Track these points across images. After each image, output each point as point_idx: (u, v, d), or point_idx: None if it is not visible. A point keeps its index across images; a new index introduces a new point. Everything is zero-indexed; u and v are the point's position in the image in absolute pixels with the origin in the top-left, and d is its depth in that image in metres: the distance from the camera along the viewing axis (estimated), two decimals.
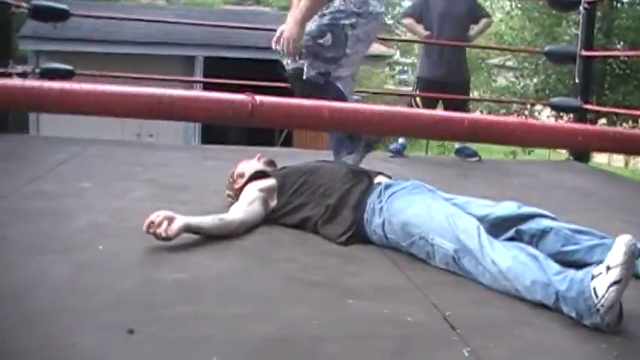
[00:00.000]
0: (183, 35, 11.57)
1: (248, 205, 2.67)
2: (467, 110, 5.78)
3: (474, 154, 5.49)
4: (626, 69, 11.83)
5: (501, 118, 1.65)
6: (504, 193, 3.37)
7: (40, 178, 3.51)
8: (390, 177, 2.87)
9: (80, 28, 10.12)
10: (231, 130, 13.54)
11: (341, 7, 3.20)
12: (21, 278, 1.99)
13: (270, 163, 3.13)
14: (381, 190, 2.59)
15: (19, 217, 2.68)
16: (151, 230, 2.27)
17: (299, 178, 2.80)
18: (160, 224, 2.27)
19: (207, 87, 12.73)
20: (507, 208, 2.42)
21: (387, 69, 31.01)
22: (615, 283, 1.76)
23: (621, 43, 12.63)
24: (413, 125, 1.28)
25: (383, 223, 2.49)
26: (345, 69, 3.30)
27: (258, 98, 1.10)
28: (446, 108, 5.57)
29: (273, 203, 2.78)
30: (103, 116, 1.14)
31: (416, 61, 33.84)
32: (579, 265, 2.03)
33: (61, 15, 4.89)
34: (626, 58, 11.99)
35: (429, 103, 5.61)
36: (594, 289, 1.79)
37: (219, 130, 12.79)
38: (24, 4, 4.79)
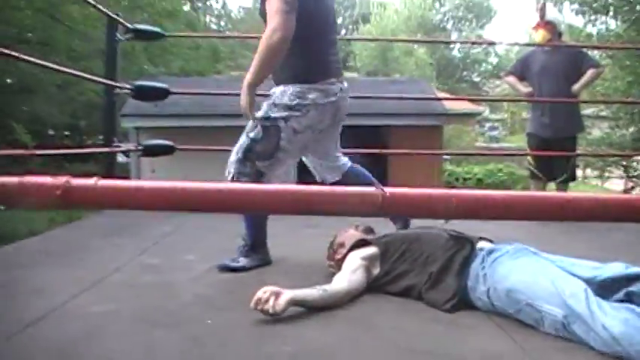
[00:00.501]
0: None
1: (351, 274, 2.68)
2: (573, 165, 5.64)
3: None
4: None
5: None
6: (609, 250, 3.28)
7: (147, 251, 3.65)
8: (491, 241, 2.83)
9: (178, 104, 10.45)
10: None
11: (275, 101, 3.18)
12: (133, 351, 2.05)
13: (369, 230, 3.15)
14: (483, 256, 2.57)
15: (130, 291, 2.78)
16: (258, 307, 2.31)
17: (401, 245, 2.80)
18: (267, 300, 2.31)
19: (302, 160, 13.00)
20: (615, 268, 2.31)
21: (476, 126, 30.83)
22: None
23: None
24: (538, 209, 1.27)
25: (488, 290, 2.46)
26: (283, 162, 3.27)
27: (388, 190, 1.13)
28: (555, 164, 5.59)
29: (376, 271, 2.79)
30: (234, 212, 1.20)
31: (506, 116, 33.69)
32: None
33: (161, 94, 5.10)
34: None
35: (542, 159, 5.62)
36: None
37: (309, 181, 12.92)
38: (127, 86, 5.01)
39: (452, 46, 43.36)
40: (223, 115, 11.80)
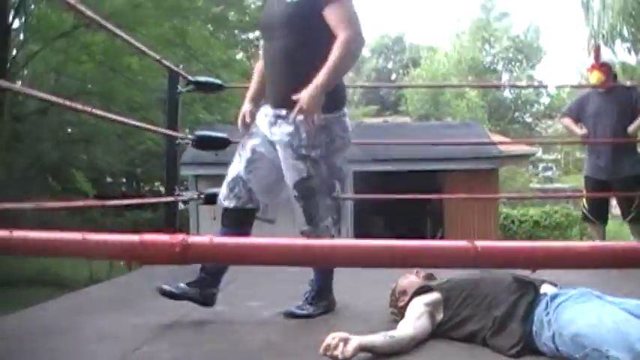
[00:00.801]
0: None
1: (416, 320, 2.71)
2: (637, 203, 5.46)
3: None
4: None
5: None
6: None
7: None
8: (555, 285, 2.83)
9: (234, 153, 10.57)
10: (383, 236, 13.72)
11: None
12: None
13: (430, 276, 3.17)
14: (547, 302, 2.56)
15: (199, 337, 2.87)
16: (328, 353, 2.36)
17: (463, 290, 2.82)
18: (336, 346, 2.35)
19: (357, 202, 13.17)
20: None
21: (530, 167, 30.63)
22: None
23: None
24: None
25: (553, 336, 2.45)
26: None
27: (479, 244, 1.18)
28: (621, 204, 5.61)
29: (440, 317, 2.80)
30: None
31: (559, 156, 33.34)
32: None
33: (222, 143, 5.24)
34: None
35: (595, 203, 5.65)
36: None
37: (371, 237, 12.97)
38: (189, 137, 5.17)
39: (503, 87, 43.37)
40: None
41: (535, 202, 19.26)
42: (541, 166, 36.72)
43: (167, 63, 5.13)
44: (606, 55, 5.85)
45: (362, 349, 2.42)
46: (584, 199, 5.79)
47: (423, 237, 14.07)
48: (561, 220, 17.90)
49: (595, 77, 5.62)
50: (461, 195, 10.78)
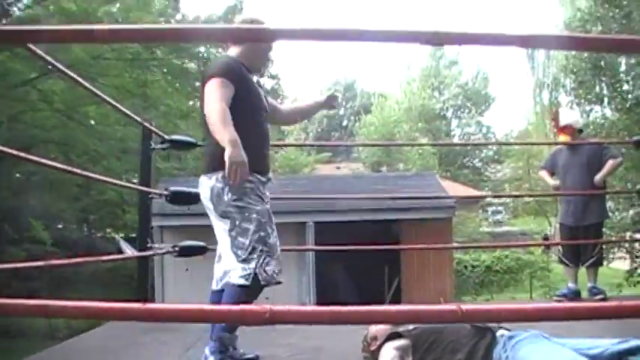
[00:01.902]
0: (292, 203, 12.11)
1: None
2: (599, 250, 6.13)
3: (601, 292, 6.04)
4: None
5: None
6: (611, 328, 3.59)
7: (193, 347, 3.97)
8: (508, 329, 3.19)
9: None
10: (343, 285, 14.03)
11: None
12: None
13: (399, 324, 3.51)
14: (505, 341, 2.95)
15: None
16: None
17: (430, 336, 3.17)
18: None
19: (318, 253, 13.48)
20: (616, 344, 2.76)
21: (480, 211, 31.20)
22: None
23: None
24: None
25: None
26: None
27: (464, 307, 1.49)
28: (582, 250, 6.06)
29: None
30: None
31: (508, 200, 34.04)
32: None
33: (195, 198, 5.48)
34: None
35: (570, 247, 6.14)
36: None
37: (330, 288, 13.27)
38: (164, 192, 5.40)
39: (452, 133, 44.23)
40: None
41: (486, 248, 19.79)
42: (490, 209, 37.28)
43: (139, 120, 5.37)
44: (567, 117, 6.25)
45: None
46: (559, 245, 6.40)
47: (381, 284, 14.47)
48: (512, 265, 18.44)
49: (562, 139, 6.29)
50: (417, 246, 11.22)
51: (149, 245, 5.56)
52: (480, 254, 18.87)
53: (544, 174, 6.49)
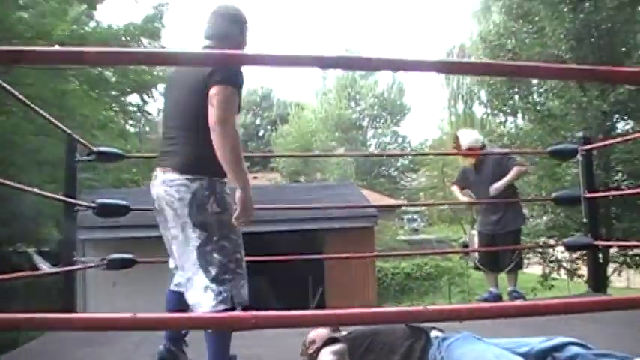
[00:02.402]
0: None
1: None
2: (518, 255, 6.35)
3: (521, 296, 6.32)
4: (629, 197, 12.39)
5: None
6: (537, 327, 3.78)
7: (131, 359, 3.96)
8: (442, 330, 3.33)
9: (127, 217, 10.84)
10: (267, 295, 14.08)
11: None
12: None
13: (336, 328, 3.60)
14: (439, 342, 3.08)
15: None
16: None
17: (366, 339, 3.27)
18: None
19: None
20: (542, 342, 2.94)
21: (396, 220, 31.70)
22: None
23: (619, 174, 13.35)
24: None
25: None
26: None
27: (430, 307, 1.60)
28: (501, 255, 6.25)
29: None
30: None
31: (424, 209, 34.63)
32: None
33: (123, 210, 5.48)
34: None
35: (486, 254, 6.36)
36: None
37: (254, 299, 13.27)
38: (92, 205, 5.34)
39: (368, 142, 44.83)
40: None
41: (405, 256, 20.19)
42: (406, 218, 37.94)
43: (67, 130, 5.31)
44: (467, 138, 6.44)
45: None
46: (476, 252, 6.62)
47: (305, 293, 14.60)
48: (431, 272, 18.87)
49: (466, 161, 6.49)
50: (341, 255, 11.37)
51: (75, 259, 5.51)
52: (400, 262, 19.22)
53: (455, 189, 6.70)
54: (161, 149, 3.32)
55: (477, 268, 6.56)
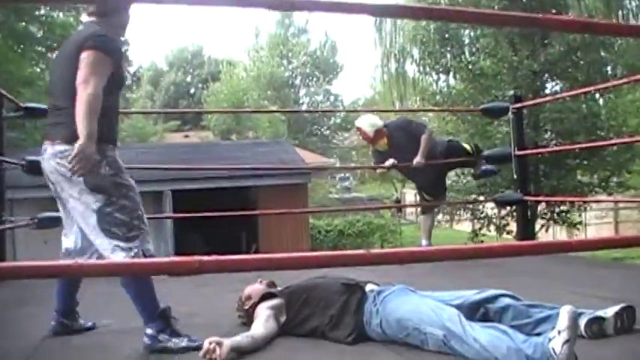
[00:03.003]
0: (149, 172, 11.89)
1: (265, 322, 3.16)
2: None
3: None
4: (557, 155, 12.71)
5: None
6: (471, 282, 3.87)
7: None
8: (377, 284, 3.38)
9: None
10: (201, 248, 14.08)
11: None
12: None
13: (272, 284, 3.63)
14: (375, 296, 3.14)
15: (71, 354, 3.17)
16: (207, 356, 2.76)
17: (302, 294, 3.31)
18: (214, 350, 2.76)
19: (177, 221, 13.41)
20: (475, 294, 3.04)
21: (328, 178, 31.86)
22: (566, 341, 2.38)
23: (548, 132, 13.69)
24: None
25: (380, 322, 3.04)
26: None
27: (373, 251, 1.60)
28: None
29: (283, 318, 3.28)
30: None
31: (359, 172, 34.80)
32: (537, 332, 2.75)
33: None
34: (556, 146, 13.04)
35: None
36: (552, 348, 2.40)
37: (189, 254, 13.25)
38: (21, 162, 5.21)
39: (301, 101, 44.78)
40: None
41: (338, 213, 20.36)
42: (338, 176, 38.20)
43: None
44: (368, 123, 6.49)
45: (232, 350, 2.82)
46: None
47: (239, 250, 14.64)
48: (363, 229, 19.06)
49: (380, 145, 6.52)
50: (275, 211, 11.39)
51: (3, 218, 5.39)
52: (333, 219, 19.36)
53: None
54: (48, 122, 3.36)
55: (423, 199, 6.88)
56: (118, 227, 3.08)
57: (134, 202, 3.19)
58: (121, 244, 3.06)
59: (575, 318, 2.42)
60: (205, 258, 1.43)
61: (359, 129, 6.55)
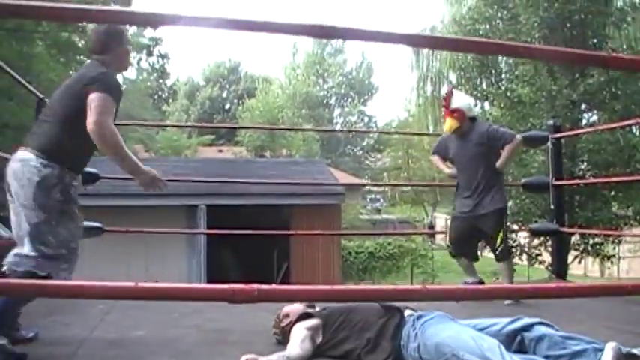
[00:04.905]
0: (185, 185, 11.96)
1: (301, 342, 3.16)
2: (502, 237, 5.48)
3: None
4: (593, 187, 12.56)
5: None
6: (505, 312, 3.81)
7: (97, 327, 3.93)
8: (415, 310, 3.36)
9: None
10: (232, 268, 14.14)
11: None
12: None
13: (311, 304, 3.62)
14: (414, 320, 3.12)
15: None
16: None
17: (339, 316, 3.30)
18: None
19: (210, 237, 13.47)
20: (511, 322, 3.03)
21: (359, 199, 31.82)
22: None
23: (584, 163, 13.54)
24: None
25: (418, 346, 3.01)
26: None
27: (429, 287, 1.60)
28: (487, 243, 5.75)
29: (319, 339, 3.27)
30: None
31: (387, 190, 34.67)
32: None
33: (92, 178, 5.43)
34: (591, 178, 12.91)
35: (457, 240, 5.65)
36: None
37: (220, 271, 13.33)
38: None
39: (335, 121, 44.87)
40: (130, 195, 11.99)
41: (369, 235, 20.33)
42: (369, 197, 38.16)
43: (40, 94, 5.27)
44: (459, 100, 5.56)
45: None
46: (448, 238, 5.84)
47: (270, 268, 14.69)
48: (394, 251, 19.00)
49: (447, 124, 5.57)
50: (308, 232, 11.45)
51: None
52: (364, 241, 19.32)
53: (436, 159, 5.92)
54: (31, 130, 3.54)
55: (451, 255, 5.81)
56: (45, 246, 3.22)
57: (71, 234, 3.33)
58: (37, 256, 3.20)
59: (619, 356, 2.39)
60: (263, 287, 1.45)
61: (450, 94, 5.60)
